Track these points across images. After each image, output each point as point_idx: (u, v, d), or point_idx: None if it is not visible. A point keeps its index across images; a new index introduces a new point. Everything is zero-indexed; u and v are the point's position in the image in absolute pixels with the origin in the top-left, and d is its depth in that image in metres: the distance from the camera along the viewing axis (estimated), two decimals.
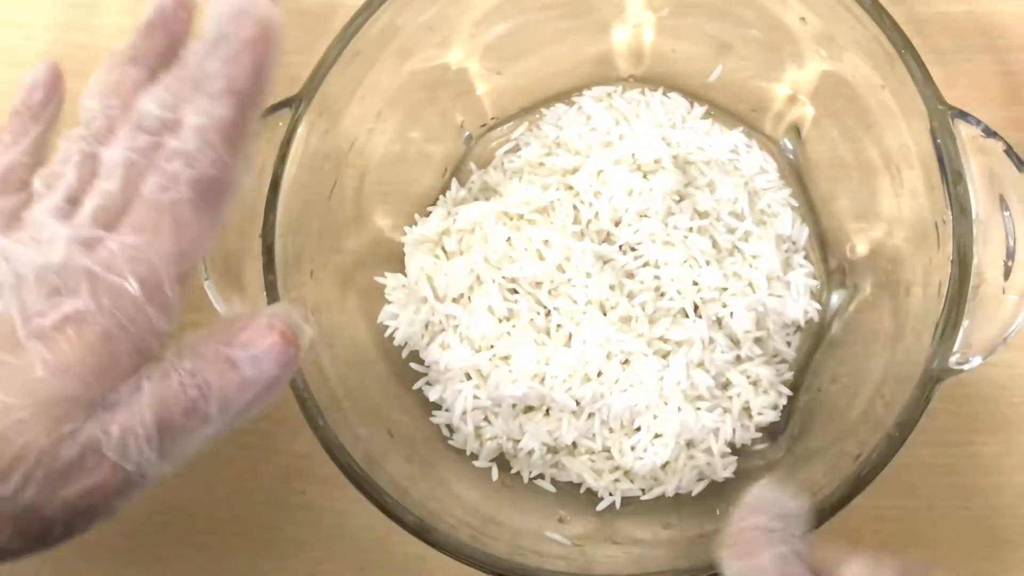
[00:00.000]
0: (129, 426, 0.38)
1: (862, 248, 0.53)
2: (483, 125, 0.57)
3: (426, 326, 0.54)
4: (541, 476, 0.53)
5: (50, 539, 0.39)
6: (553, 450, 0.53)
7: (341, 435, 0.46)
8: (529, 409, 0.53)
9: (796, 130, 0.55)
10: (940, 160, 0.45)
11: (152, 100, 0.41)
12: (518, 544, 0.48)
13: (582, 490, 0.53)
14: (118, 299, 0.38)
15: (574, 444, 0.53)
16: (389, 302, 0.55)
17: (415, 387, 0.54)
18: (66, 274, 0.39)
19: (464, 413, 0.53)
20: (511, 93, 0.57)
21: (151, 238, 0.39)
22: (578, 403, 0.51)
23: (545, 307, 0.53)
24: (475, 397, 0.53)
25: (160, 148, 0.40)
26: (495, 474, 0.53)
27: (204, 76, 0.40)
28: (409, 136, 0.55)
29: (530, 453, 0.53)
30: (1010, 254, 0.43)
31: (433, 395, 0.54)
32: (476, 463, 0.53)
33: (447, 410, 0.54)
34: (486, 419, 0.53)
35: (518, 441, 0.53)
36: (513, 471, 0.54)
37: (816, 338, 0.54)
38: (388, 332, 0.54)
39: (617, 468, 0.53)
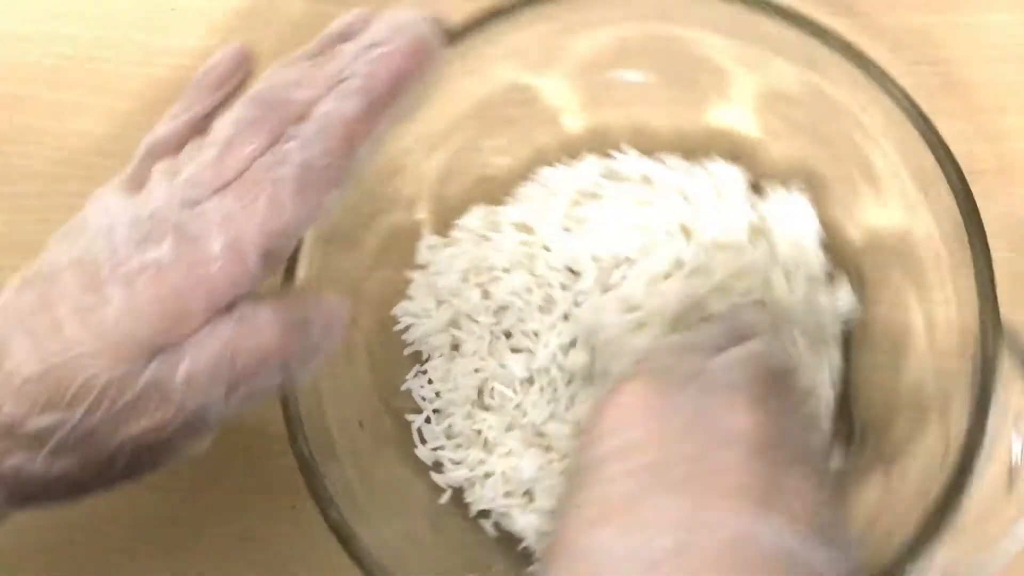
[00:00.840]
0: (196, 365, 0.40)
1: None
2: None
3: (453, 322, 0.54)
4: (487, 516, 0.53)
5: (114, 473, 0.41)
6: (509, 494, 0.53)
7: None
8: None
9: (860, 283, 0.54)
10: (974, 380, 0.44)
11: (272, 77, 0.42)
12: None
13: (520, 547, 0.53)
14: (198, 256, 0.40)
15: (530, 495, 0.53)
16: (410, 298, 0.55)
17: (403, 387, 0.55)
18: (155, 225, 0.40)
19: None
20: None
21: (245, 207, 0.40)
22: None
23: None
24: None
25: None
26: (446, 496, 0.53)
27: (346, 71, 0.41)
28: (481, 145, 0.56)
29: (488, 476, 0.53)
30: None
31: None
32: (434, 476, 0.53)
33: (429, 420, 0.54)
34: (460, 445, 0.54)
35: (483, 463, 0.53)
36: (465, 501, 0.53)
37: None
38: (398, 326, 0.55)
39: None
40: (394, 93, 0.41)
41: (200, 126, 0.44)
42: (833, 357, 0.53)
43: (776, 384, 0.42)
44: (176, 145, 0.44)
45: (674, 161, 0.55)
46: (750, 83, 0.53)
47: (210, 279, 0.40)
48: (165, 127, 0.44)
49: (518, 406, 0.53)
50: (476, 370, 0.54)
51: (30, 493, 0.41)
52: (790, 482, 0.38)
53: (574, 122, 0.56)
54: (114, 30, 0.60)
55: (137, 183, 0.43)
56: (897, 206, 0.50)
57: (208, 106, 0.44)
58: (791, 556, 0.36)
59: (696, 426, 0.38)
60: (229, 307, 0.41)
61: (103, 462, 0.41)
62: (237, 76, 0.45)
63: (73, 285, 0.40)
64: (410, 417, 0.54)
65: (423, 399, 0.55)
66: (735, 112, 0.54)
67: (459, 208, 0.56)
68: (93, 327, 0.39)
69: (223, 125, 0.41)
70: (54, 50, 0.60)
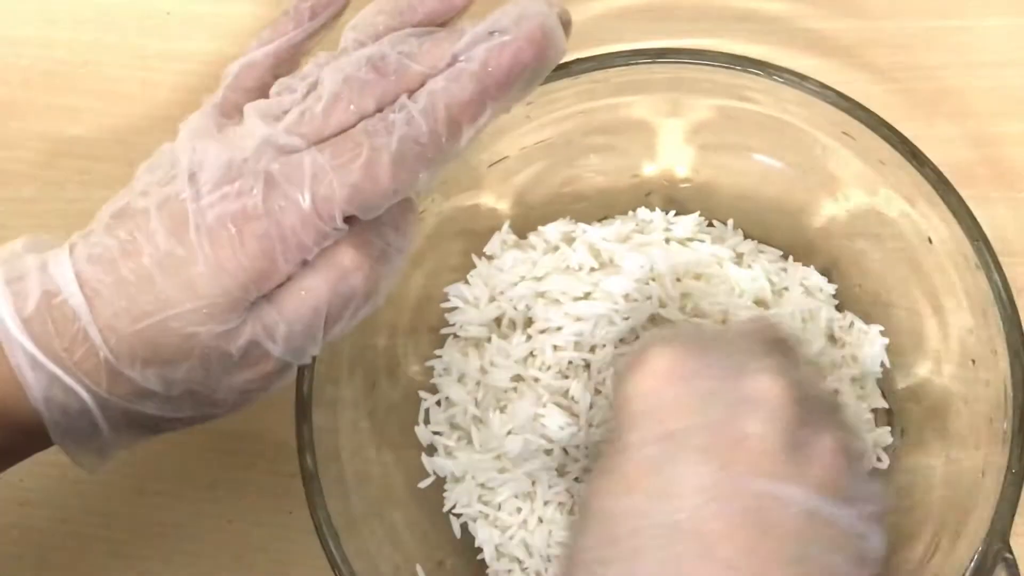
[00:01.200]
0: (292, 326, 0.41)
1: None
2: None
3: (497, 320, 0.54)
4: (458, 515, 0.53)
5: (219, 412, 0.43)
6: (485, 501, 0.52)
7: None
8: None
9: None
10: None
11: (392, 43, 0.41)
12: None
13: (478, 556, 0.53)
14: (286, 208, 0.39)
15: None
16: (467, 282, 0.54)
17: (427, 363, 0.55)
18: (244, 172, 0.40)
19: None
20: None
21: (338, 167, 0.39)
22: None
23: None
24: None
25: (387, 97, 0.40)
26: (427, 481, 0.53)
27: (464, 54, 0.40)
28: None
29: (468, 479, 0.53)
30: None
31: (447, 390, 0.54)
32: (424, 458, 0.53)
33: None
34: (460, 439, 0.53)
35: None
36: (444, 492, 0.53)
37: None
38: (445, 303, 0.54)
39: None
40: (508, 83, 0.41)
41: (286, 55, 0.44)
42: None
43: (792, 352, 0.42)
44: (263, 71, 0.44)
45: (771, 252, 0.55)
46: (862, 201, 0.52)
47: (296, 233, 0.39)
48: (254, 52, 0.44)
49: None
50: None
51: (150, 427, 0.42)
52: (813, 446, 0.38)
53: (681, 170, 0.56)
54: (109, 34, 0.60)
55: (226, 112, 0.43)
56: (954, 353, 0.50)
57: (299, 36, 0.44)
58: (813, 516, 0.37)
59: (720, 391, 0.39)
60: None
61: (209, 406, 0.42)
62: (332, 9, 0.44)
63: (160, 230, 0.40)
64: (423, 395, 0.54)
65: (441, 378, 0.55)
66: (839, 222, 0.54)
67: (543, 212, 0.55)
68: (183, 286, 0.39)
69: (333, 79, 0.41)
70: (49, 54, 0.60)
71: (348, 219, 0.40)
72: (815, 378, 0.42)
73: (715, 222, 0.55)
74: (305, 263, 0.40)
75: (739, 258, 0.54)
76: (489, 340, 0.53)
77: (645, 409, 0.39)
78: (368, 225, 0.41)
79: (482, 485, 0.52)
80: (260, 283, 0.40)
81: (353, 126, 0.40)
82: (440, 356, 0.54)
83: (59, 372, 0.40)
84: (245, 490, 0.55)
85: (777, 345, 0.42)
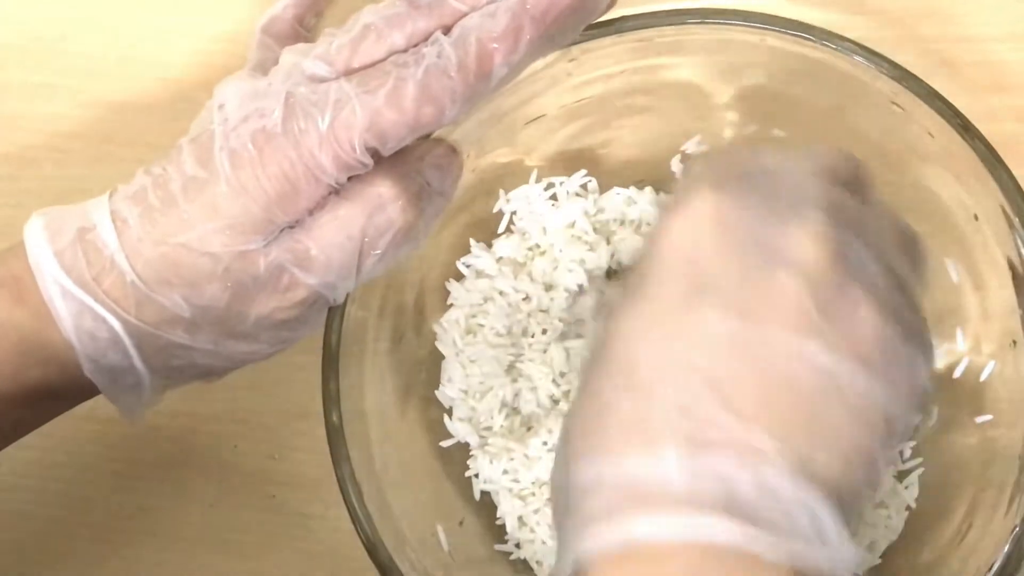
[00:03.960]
0: (324, 251, 0.41)
1: None
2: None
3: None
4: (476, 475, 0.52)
5: (258, 349, 0.43)
6: (507, 472, 0.51)
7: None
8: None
9: None
10: None
11: None
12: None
13: (497, 521, 0.52)
14: (307, 129, 0.39)
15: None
16: (494, 237, 0.54)
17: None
18: (269, 95, 0.40)
19: None
20: None
21: (362, 94, 0.39)
22: None
23: None
24: None
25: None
26: (450, 441, 0.52)
27: None
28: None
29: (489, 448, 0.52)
30: None
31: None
32: (447, 420, 0.52)
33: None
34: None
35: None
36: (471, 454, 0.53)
37: None
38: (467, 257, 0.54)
39: None
40: (544, 23, 0.40)
41: (308, 2, 0.45)
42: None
43: (863, 192, 0.40)
44: (287, 24, 0.44)
45: None
46: (906, 174, 0.51)
47: (314, 156, 0.39)
48: (275, 7, 0.45)
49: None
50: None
51: (185, 368, 0.42)
52: (850, 314, 0.36)
53: (723, 136, 0.55)
54: (85, 10, 0.59)
55: (263, 68, 0.43)
56: (995, 333, 0.50)
57: None
58: (836, 379, 0.35)
59: (759, 242, 0.36)
60: (347, 187, 0.41)
61: (238, 338, 0.42)
62: None
63: (189, 160, 0.41)
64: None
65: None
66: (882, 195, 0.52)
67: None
68: (206, 206, 0.40)
69: (367, 13, 0.41)
70: (25, 31, 0.59)
71: (380, 156, 0.40)
72: (881, 231, 0.39)
73: None
74: (337, 193, 0.41)
75: None
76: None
77: (680, 258, 0.37)
78: (407, 160, 0.42)
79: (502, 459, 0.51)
80: (283, 206, 0.40)
81: (384, 60, 0.40)
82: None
83: (87, 299, 0.40)
84: (227, 473, 0.55)
85: (849, 183, 0.39)
